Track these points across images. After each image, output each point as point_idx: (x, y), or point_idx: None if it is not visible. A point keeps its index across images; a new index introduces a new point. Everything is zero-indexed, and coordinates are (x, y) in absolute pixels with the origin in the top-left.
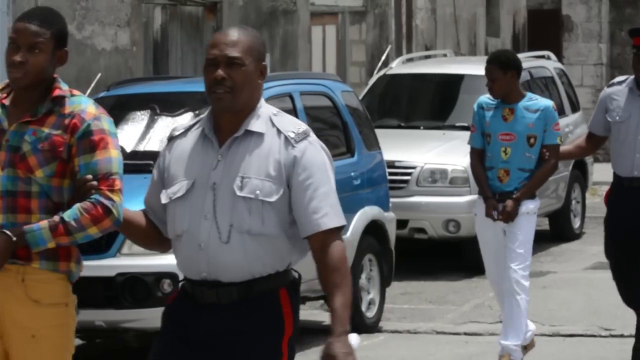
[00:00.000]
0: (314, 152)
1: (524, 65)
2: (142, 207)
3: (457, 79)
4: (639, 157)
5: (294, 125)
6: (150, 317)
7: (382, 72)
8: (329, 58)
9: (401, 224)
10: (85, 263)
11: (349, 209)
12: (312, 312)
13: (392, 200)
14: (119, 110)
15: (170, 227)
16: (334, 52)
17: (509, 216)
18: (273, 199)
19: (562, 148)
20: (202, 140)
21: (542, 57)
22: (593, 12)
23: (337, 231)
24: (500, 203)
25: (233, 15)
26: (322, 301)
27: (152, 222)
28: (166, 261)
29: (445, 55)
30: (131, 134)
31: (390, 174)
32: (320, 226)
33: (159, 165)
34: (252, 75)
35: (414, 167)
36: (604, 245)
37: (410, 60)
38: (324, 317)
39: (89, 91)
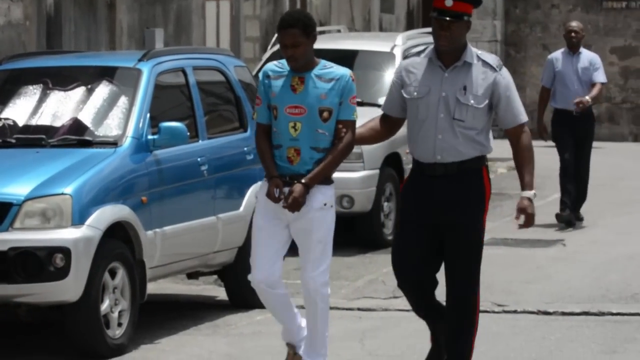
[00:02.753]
0: None
1: (418, 41)
2: (32, 180)
3: (351, 55)
4: (441, 138)
5: None
6: (43, 292)
7: (275, 48)
8: (222, 33)
9: None
10: None
11: (242, 184)
12: (206, 287)
13: None
14: (12, 84)
15: None
16: (227, 27)
17: (295, 203)
18: None
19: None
20: None
21: None
22: None
23: None
24: (287, 187)
25: None
26: (215, 276)
27: None
28: (59, 235)
29: (339, 31)
30: (23, 109)
31: None
32: None
33: None
34: None
35: None
36: (393, 242)
37: None
38: (217, 292)
39: None
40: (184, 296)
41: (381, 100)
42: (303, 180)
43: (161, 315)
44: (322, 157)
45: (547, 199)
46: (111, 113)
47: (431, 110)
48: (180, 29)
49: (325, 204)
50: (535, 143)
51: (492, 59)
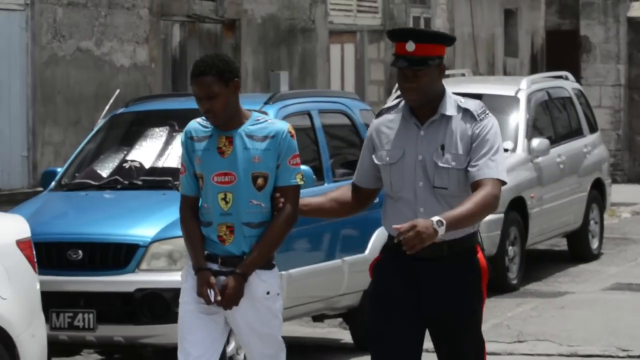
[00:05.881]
0: None
1: (542, 85)
2: (159, 222)
3: (476, 99)
4: (423, 212)
5: None
6: (169, 333)
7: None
8: (347, 76)
9: None
10: (105, 278)
11: (367, 227)
12: (331, 330)
13: None
14: (137, 126)
15: None
16: (352, 70)
17: (230, 300)
18: None
19: (310, 199)
20: None
21: (561, 77)
22: (611, 33)
23: None
24: (221, 276)
25: (251, 33)
26: (340, 319)
27: None
28: None
29: (463, 74)
30: (150, 151)
31: None
32: None
33: None
34: None
35: None
36: (368, 330)
37: None
38: (342, 335)
39: (107, 107)
40: (310, 339)
41: (505, 145)
42: (238, 270)
43: (287, 358)
44: (260, 233)
45: None
46: None
47: (407, 178)
48: (305, 71)
49: (268, 293)
50: None
51: (475, 105)
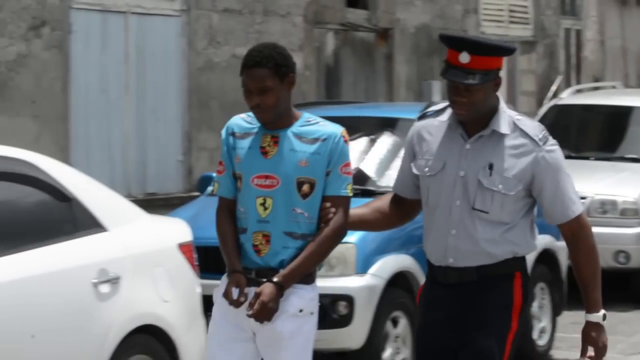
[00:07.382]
0: None
1: None
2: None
3: (627, 111)
4: (455, 234)
5: None
6: (326, 338)
7: (552, 102)
8: None
9: None
10: None
11: None
12: None
13: None
14: None
15: None
16: (504, 81)
17: (264, 310)
18: None
19: (353, 210)
20: None
21: None
22: None
23: None
24: (253, 287)
25: (404, 42)
26: None
27: None
28: (343, 283)
29: (614, 87)
30: None
31: None
32: None
33: None
34: None
35: (584, 198)
36: None
37: (579, 91)
38: None
39: None
40: None
41: None
42: (275, 279)
43: None
44: (301, 246)
45: None
46: (393, 164)
47: (444, 195)
48: None
49: (301, 311)
50: None
51: (534, 127)
